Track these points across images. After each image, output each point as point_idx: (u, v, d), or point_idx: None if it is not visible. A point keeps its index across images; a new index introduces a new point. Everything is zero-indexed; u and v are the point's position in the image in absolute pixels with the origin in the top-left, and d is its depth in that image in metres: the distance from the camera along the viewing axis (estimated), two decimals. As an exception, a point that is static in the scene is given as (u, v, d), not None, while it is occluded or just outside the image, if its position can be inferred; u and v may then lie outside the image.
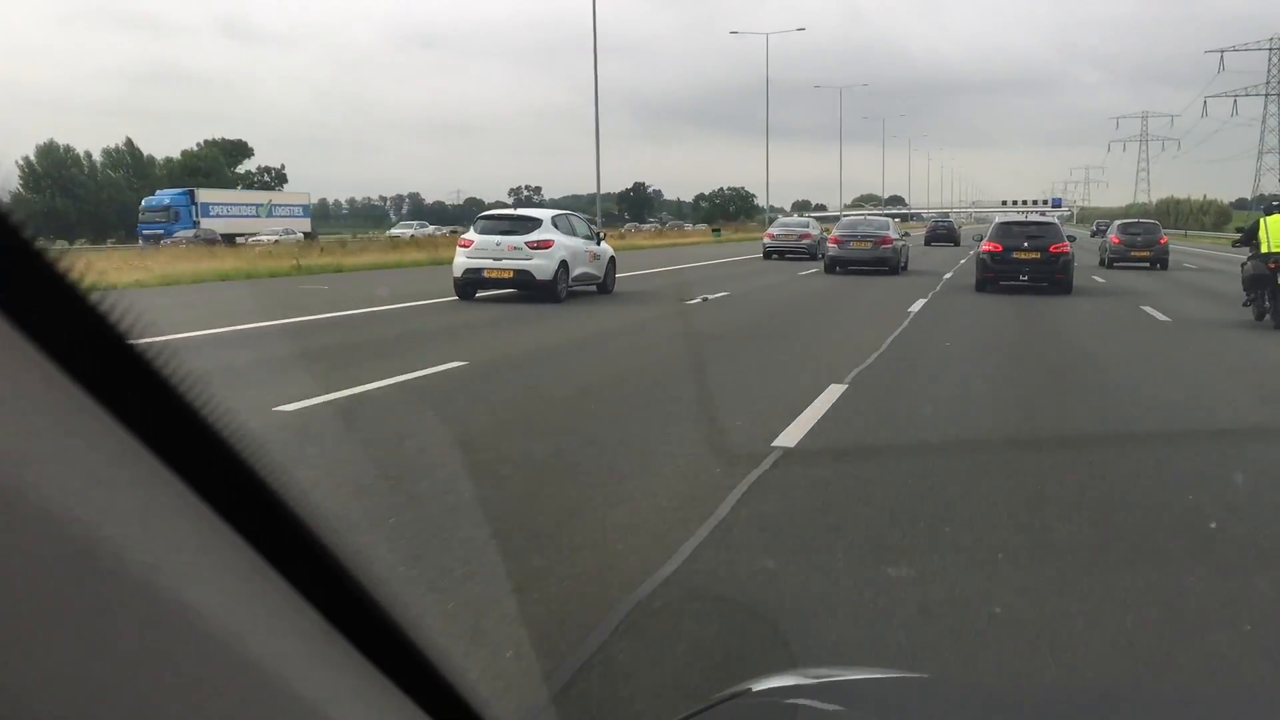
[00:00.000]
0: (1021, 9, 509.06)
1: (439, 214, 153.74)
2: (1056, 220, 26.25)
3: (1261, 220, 14.75)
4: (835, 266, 26.18)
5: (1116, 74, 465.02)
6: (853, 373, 8.96)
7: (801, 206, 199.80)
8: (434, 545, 4.23)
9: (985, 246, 20.49)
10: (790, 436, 6.37)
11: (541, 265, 15.80)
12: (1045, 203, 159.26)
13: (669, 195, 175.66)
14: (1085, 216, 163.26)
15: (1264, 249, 14.43)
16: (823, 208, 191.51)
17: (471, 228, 17.02)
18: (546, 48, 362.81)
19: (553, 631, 3.38)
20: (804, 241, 33.79)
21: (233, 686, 0.63)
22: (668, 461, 5.78)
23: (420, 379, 8.44)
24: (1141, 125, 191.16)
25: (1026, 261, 19.76)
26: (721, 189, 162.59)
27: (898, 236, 27.39)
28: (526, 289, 15.95)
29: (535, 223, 16.30)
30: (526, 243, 15.86)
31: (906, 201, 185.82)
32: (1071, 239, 21.01)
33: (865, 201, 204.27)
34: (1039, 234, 20.45)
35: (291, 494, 0.68)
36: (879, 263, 25.67)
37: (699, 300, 16.89)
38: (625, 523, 4.67)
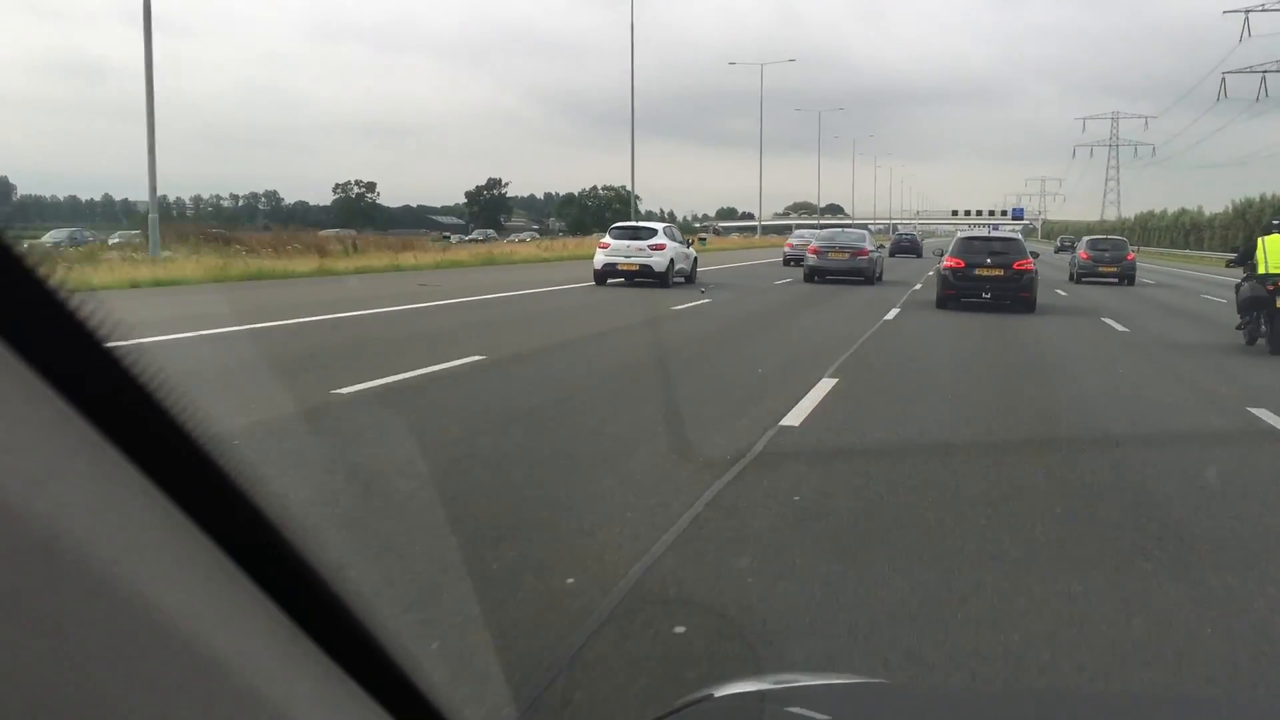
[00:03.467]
0: (966, 16, 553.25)
1: (299, 216, 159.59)
2: (1020, 236, 30.04)
3: (1260, 240, 16.60)
4: (814, 276, 32.93)
5: (1066, 86, 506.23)
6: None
7: (727, 214, 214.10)
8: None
9: (947, 262, 23.82)
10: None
11: (659, 261, 28.24)
12: (1003, 214, 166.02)
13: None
14: (1050, 231, 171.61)
15: (1262, 270, 16.26)
16: (750, 216, 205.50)
17: (607, 234, 29.93)
18: (480, 46, 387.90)
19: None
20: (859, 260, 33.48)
21: (195, 686, 0.72)
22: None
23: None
24: (1111, 126, 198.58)
25: (989, 278, 22.98)
26: (595, 188, 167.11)
27: (873, 248, 35.00)
28: (647, 278, 28.08)
29: (653, 231, 29.27)
30: (649, 245, 28.16)
31: (846, 211, 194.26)
32: (1035, 255, 24.64)
33: (799, 210, 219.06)
34: (1003, 250, 23.78)
35: (261, 494, 0.79)
36: (856, 273, 32.56)
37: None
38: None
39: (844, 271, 32.66)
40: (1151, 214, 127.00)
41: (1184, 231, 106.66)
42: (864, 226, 58.80)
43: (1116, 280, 37.52)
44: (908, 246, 68.70)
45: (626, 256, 28.40)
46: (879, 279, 34.24)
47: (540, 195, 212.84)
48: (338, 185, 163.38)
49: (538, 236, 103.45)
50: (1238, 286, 17.25)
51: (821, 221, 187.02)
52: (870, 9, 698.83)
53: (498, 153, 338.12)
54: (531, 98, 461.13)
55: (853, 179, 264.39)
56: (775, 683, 1.80)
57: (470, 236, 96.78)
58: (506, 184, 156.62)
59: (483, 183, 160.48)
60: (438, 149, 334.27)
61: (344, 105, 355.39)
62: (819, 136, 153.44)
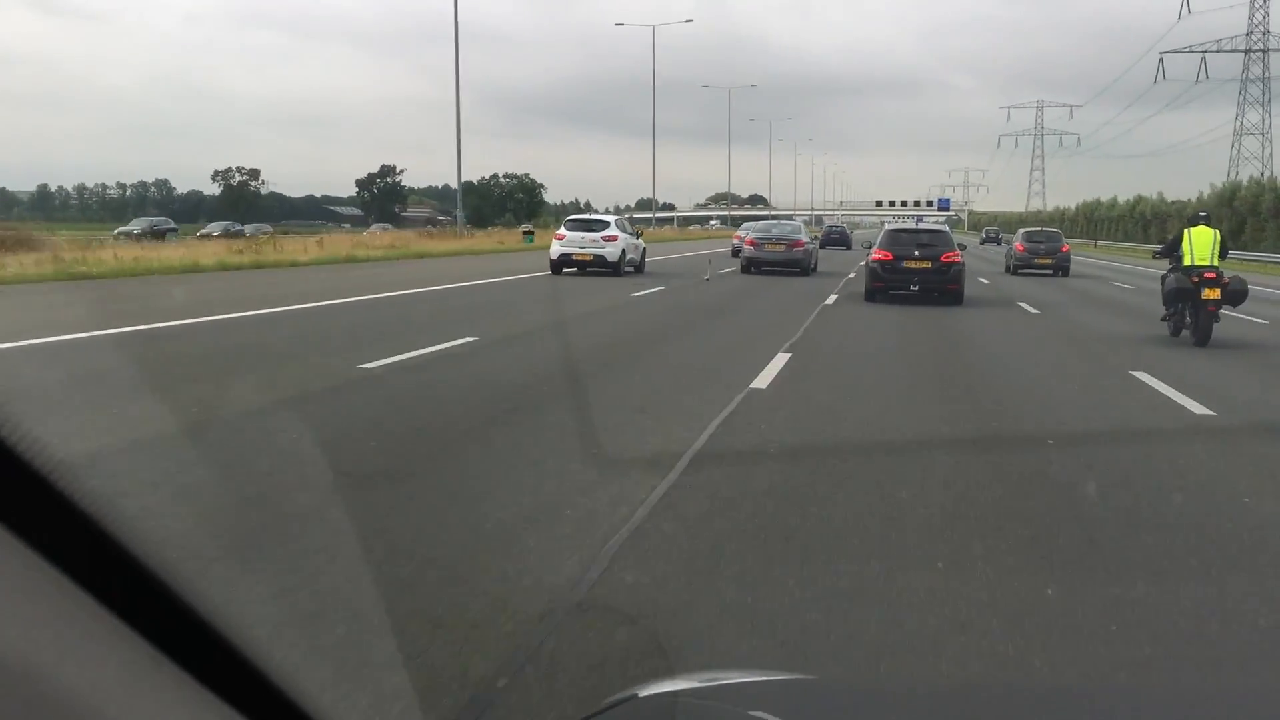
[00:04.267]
0: (889, 5, 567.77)
1: (194, 207, 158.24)
2: (947, 228, 30.80)
3: (1185, 232, 17.43)
4: (751, 267, 34.83)
5: (989, 78, 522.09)
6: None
7: (647, 205, 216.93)
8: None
9: (875, 255, 24.66)
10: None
11: (611, 251, 31.34)
12: (930, 204, 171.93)
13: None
14: (977, 222, 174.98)
15: (1187, 261, 17.05)
16: (671, 206, 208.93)
17: (563, 226, 33.48)
18: (400, 35, 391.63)
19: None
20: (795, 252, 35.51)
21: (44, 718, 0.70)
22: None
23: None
24: (1036, 115, 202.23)
25: (917, 271, 23.88)
26: (496, 176, 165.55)
27: (809, 240, 36.85)
28: (601, 267, 31.13)
29: (606, 224, 32.92)
30: (602, 237, 31.30)
31: (769, 201, 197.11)
32: (962, 248, 25.50)
33: (720, 200, 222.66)
34: (930, 242, 24.70)
35: (110, 519, 0.78)
36: (792, 264, 34.46)
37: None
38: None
39: (780, 263, 34.68)
40: (1098, 202, 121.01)
41: (1141, 222, 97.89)
42: (789, 218, 61.37)
43: (1051, 272, 40.08)
44: (838, 238, 71.98)
45: (581, 247, 31.43)
46: (814, 270, 36.37)
47: (455, 185, 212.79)
48: (218, 173, 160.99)
49: (438, 226, 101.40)
50: (1164, 278, 17.86)
51: (746, 212, 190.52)
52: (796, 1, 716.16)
53: (414, 143, 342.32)
54: (447, 85, 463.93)
55: (770, 168, 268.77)
56: (702, 680, 1.90)
57: (370, 228, 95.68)
58: (401, 171, 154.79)
59: (375, 170, 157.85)
60: (355, 138, 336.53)
61: (259, 93, 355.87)
62: (729, 118, 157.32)
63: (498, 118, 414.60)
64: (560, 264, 31.64)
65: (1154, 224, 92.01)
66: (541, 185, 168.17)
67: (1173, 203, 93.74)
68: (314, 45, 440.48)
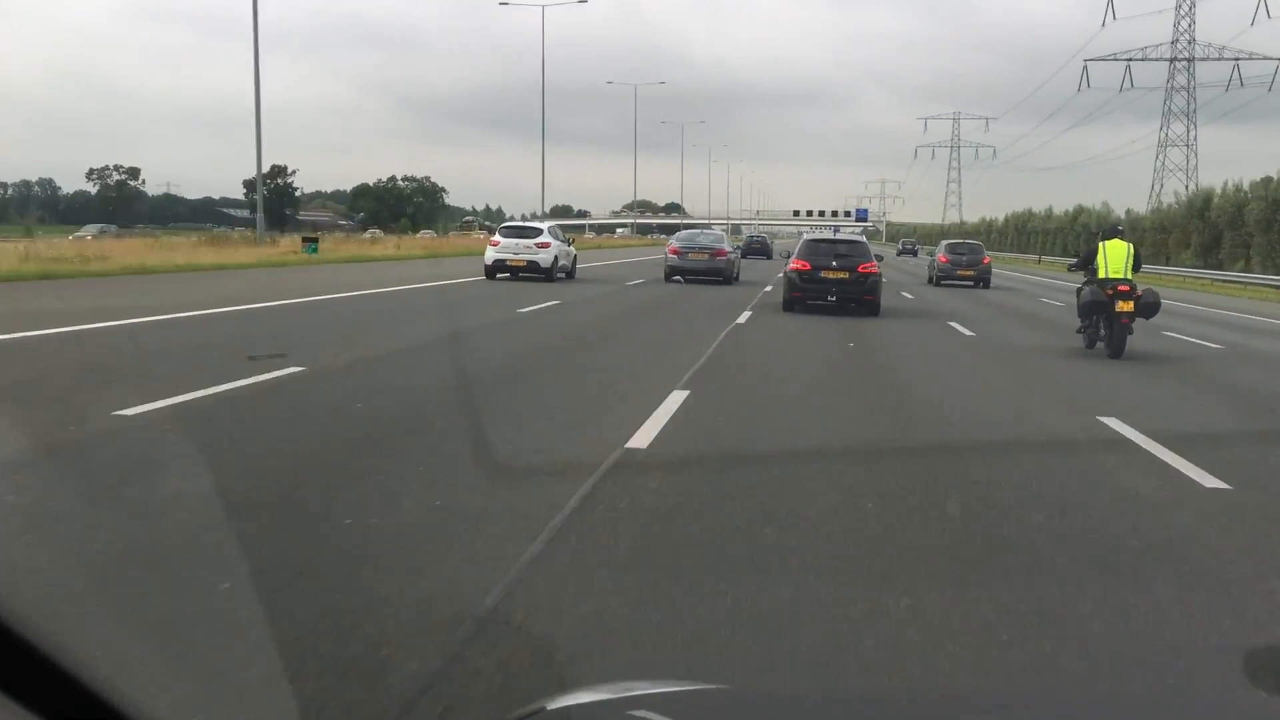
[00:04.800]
0: (803, 20, 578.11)
1: (81, 207, 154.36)
2: (864, 238, 31.97)
3: (1101, 245, 18.02)
4: (674, 275, 35.73)
5: (904, 91, 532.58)
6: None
7: (562, 212, 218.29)
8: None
9: (793, 265, 25.42)
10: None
11: (544, 258, 33.21)
12: (847, 214, 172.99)
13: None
14: (895, 233, 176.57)
15: (1102, 274, 17.61)
16: (586, 214, 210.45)
17: (497, 233, 35.48)
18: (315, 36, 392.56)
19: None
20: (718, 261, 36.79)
21: None
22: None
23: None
24: (953, 127, 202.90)
25: (835, 281, 24.70)
26: (395, 178, 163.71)
27: (731, 249, 38.32)
28: (534, 273, 32.71)
29: (539, 231, 34.41)
30: (535, 244, 33.17)
31: (686, 210, 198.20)
32: (879, 259, 26.36)
33: (641, 208, 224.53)
34: (848, 253, 25.58)
35: None
36: (715, 273, 35.64)
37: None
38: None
39: (704, 272, 35.72)
40: (1030, 213, 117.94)
41: (1085, 234, 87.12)
42: (707, 227, 62.64)
43: (973, 284, 42.07)
44: (759, 248, 74.22)
45: (515, 253, 33.27)
46: (737, 279, 37.79)
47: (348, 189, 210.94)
48: (93, 171, 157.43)
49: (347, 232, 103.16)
50: (1079, 291, 18.37)
51: (660, 220, 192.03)
52: (711, 8, 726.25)
53: (325, 145, 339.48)
54: (368, 89, 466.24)
55: (682, 174, 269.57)
56: (612, 692, 1.95)
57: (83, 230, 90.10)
58: (294, 172, 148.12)
59: (265, 171, 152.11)
60: (265, 139, 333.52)
61: (166, 92, 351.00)
62: (635, 117, 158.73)
63: (417, 122, 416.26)
64: (494, 269, 33.48)
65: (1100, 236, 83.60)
66: (443, 189, 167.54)
67: (1129, 214, 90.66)
68: (222, 44, 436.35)
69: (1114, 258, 17.69)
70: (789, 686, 4.17)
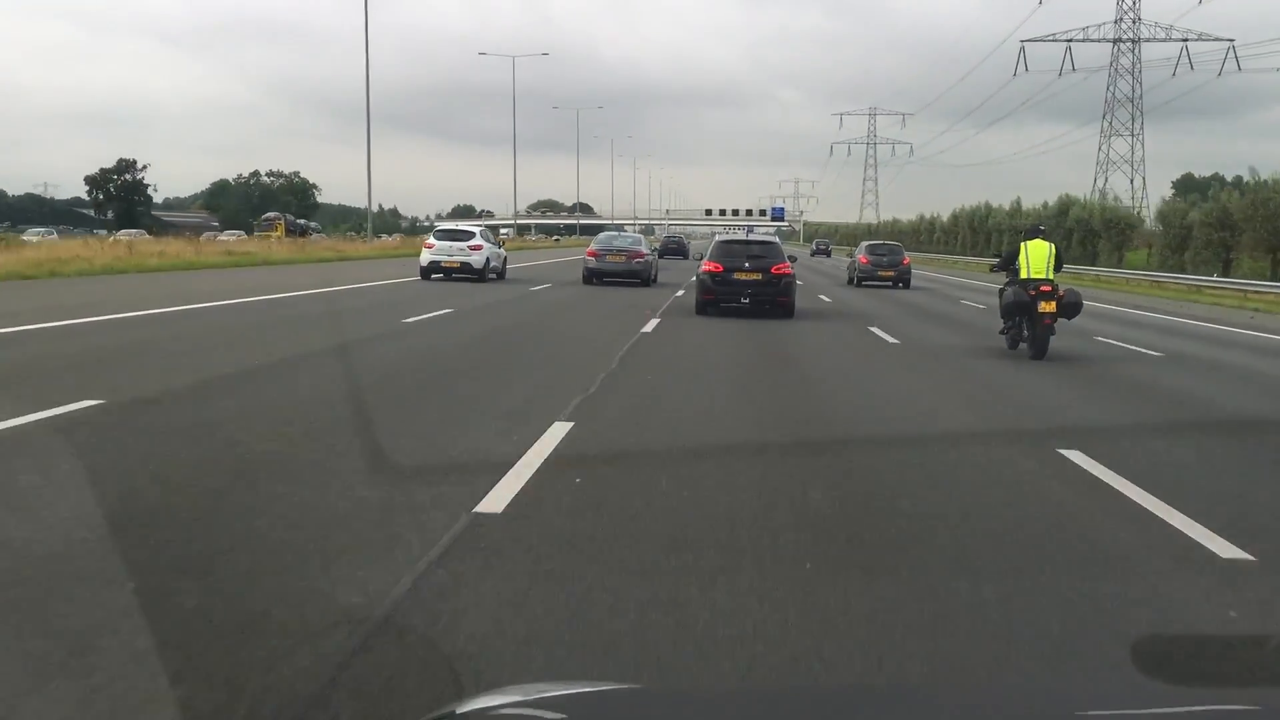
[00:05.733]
0: (714, 20, 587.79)
1: None
2: (778, 239, 32.82)
3: (1023, 245, 18.54)
4: (592, 278, 37.01)
5: (814, 94, 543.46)
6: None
7: (464, 212, 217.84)
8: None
9: (705, 266, 26.10)
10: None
11: (477, 259, 36.51)
12: (763, 214, 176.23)
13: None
14: (812, 233, 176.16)
15: (1024, 274, 18.11)
16: (489, 214, 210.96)
17: (432, 236, 39.17)
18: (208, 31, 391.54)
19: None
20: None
21: None
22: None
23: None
24: (869, 123, 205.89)
25: (748, 283, 25.39)
26: (258, 174, 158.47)
27: (649, 251, 40.03)
28: (467, 274, 35.72)
29: (471, 234, 38.28)
30: (468, 246, 36.54)
31: (596, 210, 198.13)
32: (792, 259, 27.11)
33: (546, 208, 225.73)
34: (761, 254, 26.29)
35: None
36: (632, 275, 37.28)
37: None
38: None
39: (621, 274, 37.31)
40: (987, 207, 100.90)
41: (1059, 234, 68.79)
42: (618, 228, 64.00)
43: (892, 285, 43.95)
44: (675, 249, 75.99)
45: (449, 255, 36.33)
46: (654, 280, 39.41)
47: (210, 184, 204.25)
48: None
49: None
50: (1001, 291, 18.92)
51: (567, 220, 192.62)
52: (620, 7, 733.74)
53: (219, 145, 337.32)
54: (263, 87, 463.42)
55: (578, 164, 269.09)
56: (523, 694, 1.98)
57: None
58: (144, 167, 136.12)
59: (110, 165, 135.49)
60: (167, 141, 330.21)
61: (52, 90, 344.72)
62: (513, 92, 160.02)
63: (329, 123, 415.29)
64: (429, 270, 36.57)
65: (1077, 232, 77.90)
66: (315, 186, 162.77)
67: (1119, 203, 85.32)
68: (112, 40, 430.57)
69: (1035, 258, 18.19)
70: (699, 686, 4.39)
